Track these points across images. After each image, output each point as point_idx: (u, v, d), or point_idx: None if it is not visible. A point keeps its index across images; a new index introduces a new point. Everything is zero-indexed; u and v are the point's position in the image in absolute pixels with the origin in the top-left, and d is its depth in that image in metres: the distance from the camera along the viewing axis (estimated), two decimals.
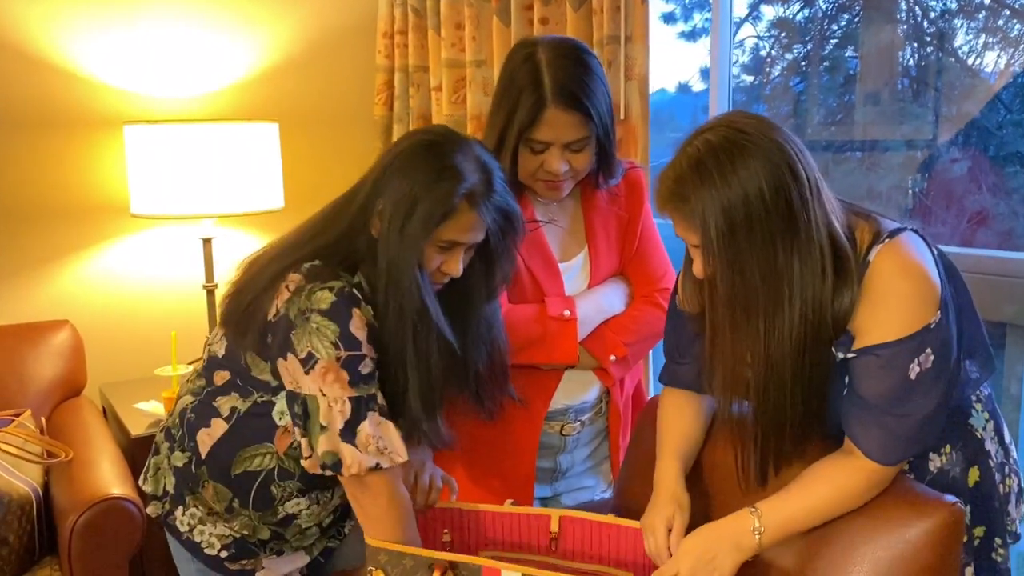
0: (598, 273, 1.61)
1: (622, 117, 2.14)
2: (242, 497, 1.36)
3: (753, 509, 1.19)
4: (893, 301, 1.13)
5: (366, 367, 1.24)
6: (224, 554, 1.40)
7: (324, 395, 1.23)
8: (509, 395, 1.48)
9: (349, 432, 1.23)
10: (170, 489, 1.41)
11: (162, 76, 2.69)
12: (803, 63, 2.94)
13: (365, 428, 1.23)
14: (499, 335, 1.44)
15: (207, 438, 1.35)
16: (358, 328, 1.24)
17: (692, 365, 1.36)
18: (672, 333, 1.41)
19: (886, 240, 1.16)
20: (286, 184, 2.58)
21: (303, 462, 1.27)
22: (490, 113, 1.52)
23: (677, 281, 1.35)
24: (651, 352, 2.21)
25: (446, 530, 1.44)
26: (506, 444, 1.60)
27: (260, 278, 1.31)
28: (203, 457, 1.36)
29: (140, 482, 1.48)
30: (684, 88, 3.36)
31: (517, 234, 1.38)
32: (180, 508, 1.40)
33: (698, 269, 1.18)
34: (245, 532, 1.39)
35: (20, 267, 2.58)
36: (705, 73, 2.62)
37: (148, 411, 2.40)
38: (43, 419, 2.30)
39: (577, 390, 1.63)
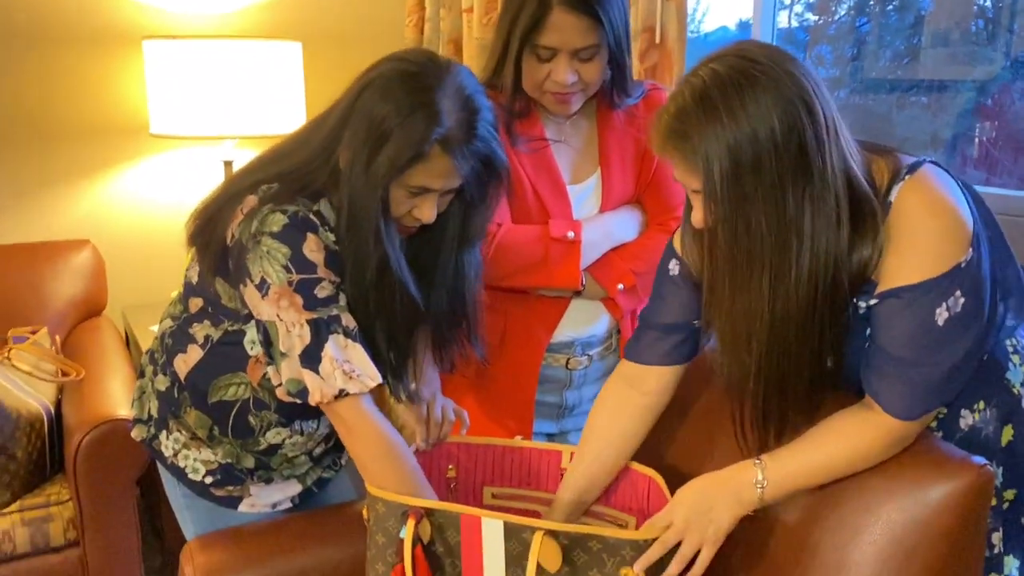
0: (610, 198, 1.51)
1: (657, 40, 2.01)
2: (221, 425, 1.31)
3: (757, 461, 1.10)
4: (920, 240, 1.01)
5: (323, 290, 1.16)
6: (209, 479, 1.36)
7: (281, 320, 1.15)
8: (475, 352, 1.38)
9: (310, 357, 1.15)
10: (154, 413, 1.37)
11: None
12: (871, 2, 2.76)
13: (328, 352, 1.15)
14: (469, 286, 1.33)
15: (183, 365, 1.30)
16: (312, 250, 1.15)
17: (669, 334, 1.25)
18: (661, 290, 1.28)
19: (906, 177, 1.03)
20: (308, 107, 2.49)
21: (276, 391, 1.20)
22: (498, 18, 1.42)
23: (673, 235, 1.24)
24: None
25: (451, 466, 1.38)
26: (507, 374, 1.54)
27: (221, 198, 1.23)
28: (182, 382, 1.31)
29: (131, 407, 1.44)
30: (745, 26, 3.20)
31: (500, 184, 1.26)
32: (164, 432, 1.36)
33: (697, 218, 1.06)
34: (229, 460, 1.35)
35: (40, 185, 2.56)
36: (767, 12, 2.45)
37: None
38: (58, 338, 2.29)
39: (584, 322, 1.55)
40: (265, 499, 1.40)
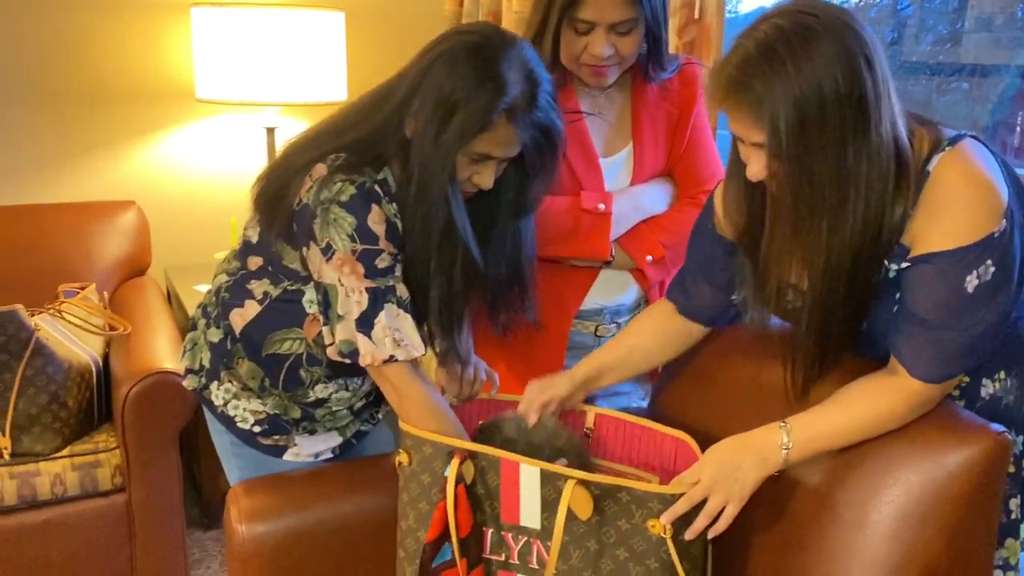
0: (642, 171, 1.55)
1: (696, 16, 2.03)
2: (272, 377, 1.38)
3: (783, 424, 1.14)
4: (956, 208, 1.04)
5: (383, 261, 1.22)
6: (257, 428, 1.43)
7: (342, 285, 1.22)
8: (527, 316, 1.44)
9: (365, 323, 1.22)
10: (206, 364, 1.44)
11: None
12: None
13: (382, 320, 1.22)
14: (525, 253, 1.39)
15: (239, 319, 1.36)
16: (376, 223, 1.21)
17: (706, 290, 1.30)
18: (697, 249, 1.33)
19: (947, 148, 1.06)
20: (350, 76, 2.54)
21: (327, 349, 1.27)
22: None
23: (712, 195, 1.28)
24: None
25: (481, 421, 1.44)
26: (537, 338, 1.58)
27: (289, 165, 1.28)
28: (237, 335, 1.38)
29: (181, 358, 1.51)
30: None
31: (556, 152, 1.31)
32: (215, 383, 1.43)
33: (755, 171, 1.08)
34: (277, 411, 1.42)
35: (88, 147, 2.64)
36: None
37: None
38: (106, 294, 2.38)
39: (613, 290, 1.59)
40: (308, 449, 1.47)
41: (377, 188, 1.23)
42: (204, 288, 2.49)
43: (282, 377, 1.37)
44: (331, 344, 1.25)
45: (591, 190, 1.51)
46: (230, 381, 1.42)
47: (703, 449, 1.21)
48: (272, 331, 1.35)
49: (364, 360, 1.22)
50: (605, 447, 1.40)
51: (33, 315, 2.01)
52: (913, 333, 1.09)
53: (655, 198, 1.55)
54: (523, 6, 2.55)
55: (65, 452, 1.97)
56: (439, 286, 1.27)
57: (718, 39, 2.01)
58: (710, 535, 1.13)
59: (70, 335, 2.09)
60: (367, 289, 1.21)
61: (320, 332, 1.30)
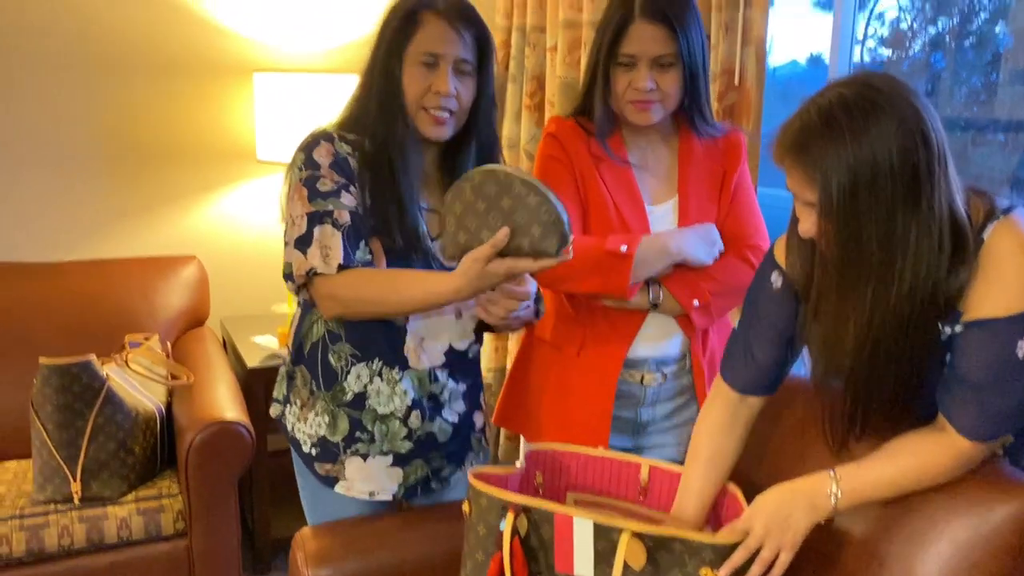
0: (687, 222, 1.61)
1: (736, 83, 2.11)
2: (315, 375, 1.48)
3: (832, 473, 1.19)
4: (1009, 276, 1.09)
5: (324, 185, 1.37)
6: (313, 452, 1.50)
7: (291, 216, 1.40)
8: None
9: (302, 242, 1.37)
10: (284, 391, 1.55)
11: (290, 29, 2.81)
12: (946, 37, 2.78)
13: (315, 237, 1.36)
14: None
15: (294, 331, 1.53)
16: (321, 155, 1.39)
17: (768, 350, 1.32)
18: (755, 307, 1.35)
19: (1001, 217, 1.12)
20: None
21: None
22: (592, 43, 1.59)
23: (770, 249, 1.34)
24: None
25: (539, 471, 1.48)
26: (586, 386, 1.64)
27: None
28: (292, 348, 1.51)
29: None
30: (816, 60, 3.24)
31: (491, 59, 1.45)
32: (288, 406, 1.54)
33: (806, 228, 1.15)
34: (326, 419, 1.47)
35: (154, 203, 2.78)
36: (844, 46, 2.53)
37: (264, 344, 2.56)
38: (169, 344, 2.48)
39: (659, 338, 1.64)
40: (362, 484, 1.50)
41: (333, 133, 1.42)
42: (261, 339, 2.59)
43: (320, 371, 1.47)
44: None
45: (638, 233, 1.58)
46: (295, 402, 1.52)
47: (749, 497, 1.25)
48: (303, 325, 1.49)
49: (296, 274, 1.37)
50: (660, 501, 1.44)
51: (103, 364, 2.11)
52: (962, 394, 1.13)
53: (686, 242, 1.58)
54: (567, 71, 2.65)
55: (130, 497, 2.05)
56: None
57: (757, 104, 2.09)
58: None
59: (136, 384, 2.18)
60: (307, 214, 1.37)
61: None
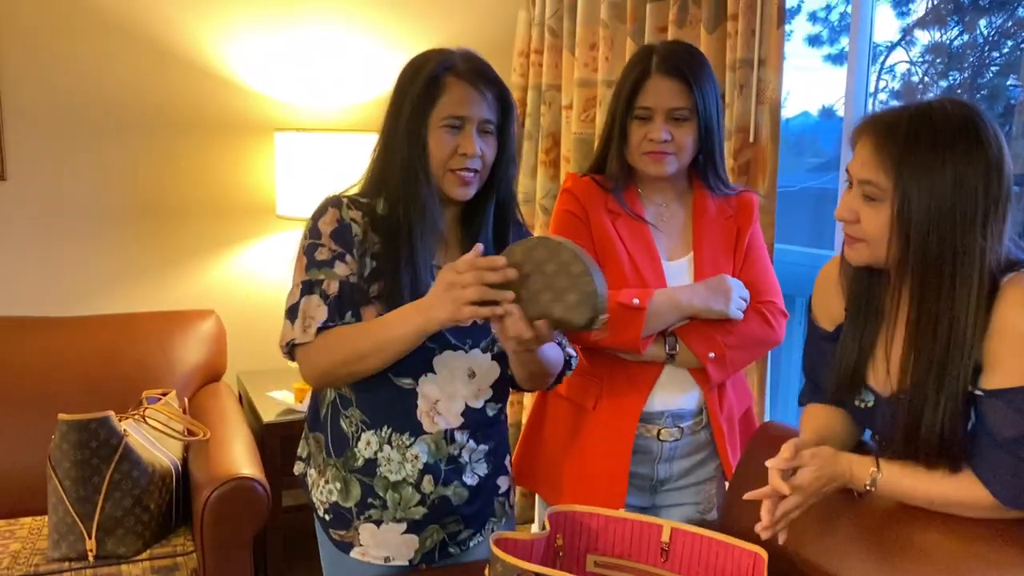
0: (701, 278, 1.62)
1: (751, 140, 2.14)
2: (327, 439, 1.47)
3: (875, 468, 1.21)
4: (1021, 341, 1.10)
5: (321, 254, 1.38)
6: (327, 517, 1.49)
7: (293, 282, 1.41)
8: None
9: (291, 312, 1.38)
10: (306, 450, 1.56)
11: (310, 88, 2.88)
12: (958, 90, 2.82)
13: (300, 308, 1.37)
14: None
15: (311, 393, 1.54)
16: (326, 223, 1.39)
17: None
18: (811, 352, 1.41)
19: (1020, 270, 1.12)
20: None
21: None
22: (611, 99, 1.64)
23: (810, 300, 1.36)
24: (766, 377, 2.19)
25: (559, 534, 1.46)
26: (603, 440, 1.63)
27: None
28: (310, 412, 1.52)
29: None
30: (828, 112, 3.28)
31: (512, 119, 1.44)
32: (309, 467, 1.53)
33: (844, 210, 1.18)
34: (338, 486, 1.46)
35: (174, 258, 2.81)
36: (859, 98, 2.56)
37: (280, 399, 2.56)
38: (186, 399, 2.48)
39: (675, 391, 1.64)
40: (376, 550, 1.47)
41: (343, 199, 1.41)
42: (277, 394, 2.59)
43: (330, 436, 1.47)
44: None
45: (654, 287, 1.59)
46: (313, 464, 1.52)
47: (775, 566, 1.23)
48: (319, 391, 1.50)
49: (280, 342, 1.39)
50: (682, 563, 1.42)
51: (121, 420, 2.11)
52: (995, 459, 1.13)
53: (696, 296, 1.58)
54: (582, 128, 2.69)
55: (145, 555, 2.04)
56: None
57: (772, 161, 2.10)
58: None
59: (152, 440, 2.18)
60: (301, 282, 1.38)
61: None
